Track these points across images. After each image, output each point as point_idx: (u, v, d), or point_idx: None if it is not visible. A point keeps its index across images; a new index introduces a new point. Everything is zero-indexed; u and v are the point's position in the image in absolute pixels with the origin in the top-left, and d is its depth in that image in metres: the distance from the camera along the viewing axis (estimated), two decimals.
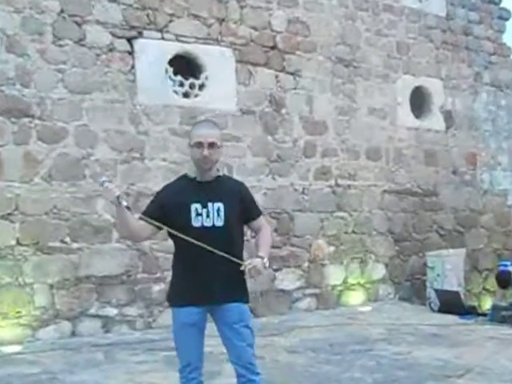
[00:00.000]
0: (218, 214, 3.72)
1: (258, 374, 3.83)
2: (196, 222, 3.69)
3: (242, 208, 3.85)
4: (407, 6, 10.73)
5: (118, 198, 3.59)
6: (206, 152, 3.70)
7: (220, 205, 3.73)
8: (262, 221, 4.03)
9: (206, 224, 3.69)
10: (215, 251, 3.60)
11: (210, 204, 3.71)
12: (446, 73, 11.18)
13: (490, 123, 11.75)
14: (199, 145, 3.72)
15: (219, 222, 3.71)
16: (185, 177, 3.88)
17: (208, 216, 3.70)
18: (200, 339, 3.80)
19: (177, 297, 3.82)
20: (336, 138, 9.75)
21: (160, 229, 3.79)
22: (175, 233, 3.66)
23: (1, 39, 7.26)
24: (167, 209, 3.72)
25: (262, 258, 3.75)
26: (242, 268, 3.66)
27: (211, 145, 3.73)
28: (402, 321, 8.41)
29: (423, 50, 10.90)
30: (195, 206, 3.70)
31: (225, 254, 3.63)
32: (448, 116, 11.17)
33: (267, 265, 3.76)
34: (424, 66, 10.88)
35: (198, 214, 3.69)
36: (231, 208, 3.76)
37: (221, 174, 3.92)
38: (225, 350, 3.90)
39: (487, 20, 11.80)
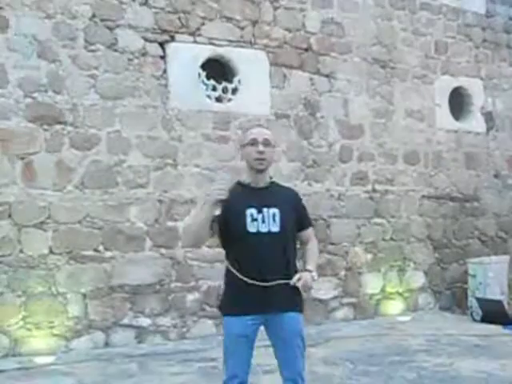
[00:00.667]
0: (274, 220, 3.76)
1: None
2: (251, 228, 3.73)
3: (296, 216, 3.90)
4: (445, 3, 10.67)
5: (219, 201, 3.65)
6: (260, 148, 3.77)
7: (275, 210, 3.78)
8: (311, 232, 4.09)
9: (261, 230, 3.73)
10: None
11: (265, 209, 3.76)
12: (486, 72, 11.10)
13: None
14: (254, 142, 3.80)
15: (275, 228, 3.75)
16: (238, 184, 3.91)
17: (263, 221, 3.74)
18: (250, 351, 3.82)
19: (230, 305, 3.84)
20: (373, 142, 9.75)
21: (212, 236, 3.82)
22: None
23: (33, 45, 7.40)
24: (222, 215, 3.74)
25: (311, 271, 3.81)
26: (291, 283, 3.71)
27: (266, 142, 3.80)
28: (442, 331, 8.36)
29: (462, 49, 10.84)
30: (250, 211, 3.73)
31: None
32: (489, 117, 11.09)
33: (316, 278, 3.82)
34: (463, 66, 10.82)
35: (253, 220, 3.73)
36: (286, 214, 3.81)
37: (274, 180, 3.98)
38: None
39: None
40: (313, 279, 3.78)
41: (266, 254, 3.68)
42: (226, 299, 3.93)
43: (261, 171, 3.83)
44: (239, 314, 3.75)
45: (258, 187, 3.83)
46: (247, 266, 3.73)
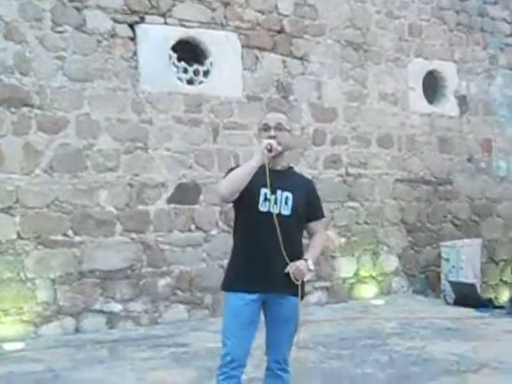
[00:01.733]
0: (286, 203, 3.78)
1: (288, 371, 3.92)
2: (263, 207, 3.75)
3: (308, 204, 3.90)
4: None
5: (268, 145, 3.70)
6: (272, 133, 3.78)
7: (289, 194, 3.80)
8: (321, 225, 4.09)
9: (272, 210, 3.72)
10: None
11: (278, 191, 3.77)
12: (460, 56, 11.13)
13: (506, 108, 11.68)
14: (266, 127, 3.83)
15: (286, 211, 3.77)
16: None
17: (276, 203, 3.75)
18: (252, 333, 3.81)
19: (233, 282, 3.83)
20: (346, 125, 9.76)
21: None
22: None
23: None
24: None
25: (307, 260, 3.79)
26: (286, 270, 3.70)
27: (278, 126, 3.82)
28: (415, 314, 8.44)
29: (436, 33, 10.85)
30: (264, 191, 3.74)
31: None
32: (462, 101, 11.14)
33: (312, 267, 3.80)
34: (437, 49, 10.84)
35: (265, 199, 3.74)
36: (299, 200, 3.82)
37: (293, 166, 4.01)
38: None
39: (503, 0, 11.73)
40: (308, 268, 3.77)
41: (273, 235, 3.66)
42: (229, 275, 3.93)
43: (275, 155, 3.81)
44: (241, 290, 3.75)
45: (275, 170, 3.81)
46: (253, 245, 3.76)
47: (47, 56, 7.55)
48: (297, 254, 3.78)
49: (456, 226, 10.94)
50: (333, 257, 9.53)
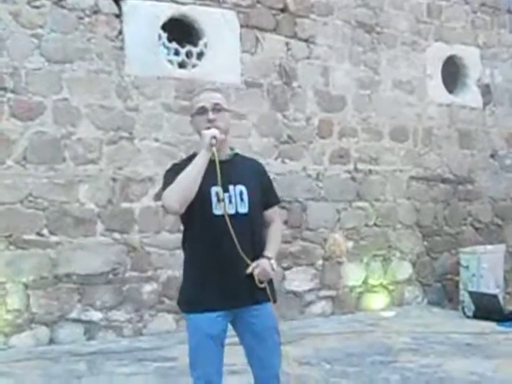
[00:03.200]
0: (242, 199, 3.67)
1: None
2: (217, 210, 3.61)
3: (262, 192, 3.80)
4: None
5: (213, 138, 3.56)
6: (211, 116, 3.65)
7: (242, 188, 3.68)
8: (276, 212, 3.99)
9: (228, 211, 3.60)
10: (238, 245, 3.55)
11: (231, 187, 3.65)
12: (484, 40, 11.12)
13: None
14: (202, 110, 3.68)
15: (243, 209, 3.66)
16: (195, 155, 3.70)
17: (230, 201, 3.64)
18: (221, 352, 3.73)
19: (193, 301, 3.72)
20: (356, 116, 9.73)
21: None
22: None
23: None
24: None
25: (269, 258, 3.72)
26: (248, 271, 3.62)
27: (216, 107, 3.69)
28: (430, 328, 8.41)
29: (458, 14, 10.83)
30: (215, 190, 3.61)
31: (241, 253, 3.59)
32: (486, 90, 11.13)
33: (275, 266, 3.73)
34: (458, 33, 10.82)
35: (218, 200, 3.60)
36: (254, 191, 3.72)
37: (237, 151, 3.87)
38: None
39: None
40: (272, 268, 3.69)
41: (233, 239, 3.55)
42: (187, 294, 3.80)
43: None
44: (204, 310, 3.65)
45: (220, 160, 3.62)
46: (211, 254, 3.63)
47: (22, 34, 7.52)
48: (261, 252, 3.71)
49: (477, 229, 10.92)
50: (339, 263, 9.50)
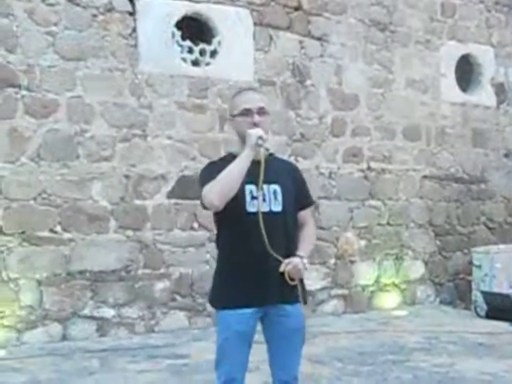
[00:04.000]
0: (276, 198, 3.67)
1: None
2: (251, 207, 3.62)
3: (296, 193, 3.80)
4: None
5: (259, 138, 3.56)
6: (256, 118, 3.65)
7: (276, 187, 3.69)
8: (309, 213, 3.98)
9: (262, 209, 3.61)
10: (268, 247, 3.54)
11: (265, 186, 3.65)
12: (499, 39, 11.08)
13: None
14: (247, 112, 3.68)
15: (277, 207, 3.67)
16: (231, 155, 3.76)
17: (264, 200, 3.64)
18: (248, 350, 3.73)
19: (226, 298, 3.71)
20: (369, 115, 9.72)
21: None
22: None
23: None
24: None
25: (302, 257, 3.70)
26: (281, 269, 3.60)
27: (262, 110, 3.70)
28: (443, 328, 8.39)
29: (472, 12, 10.79)
30: (250, 188, 3.63)
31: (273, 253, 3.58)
32: (500, 89, 11.09)
33: (307, 266, 3.71)
34: (472, 31, 10.79)
35: (253, 198, 3.62)
36: (288, 191, 3.72)
37: (271, 152, 3.85)
38: None
39: None
40: (304, 267, 3.67)
41: (267, 236, 3.55)
42: (220, 291, 3.79)
43: None
44: (238, 306, 3.64)
45: (256, 159, 3.63)
46: (243, 251, 3.63)
47: (37, 31, 7.54)
48: (295, 251, 3.69)
49: (490, 229, 10.89)
50: (351, 261, 9.49)
